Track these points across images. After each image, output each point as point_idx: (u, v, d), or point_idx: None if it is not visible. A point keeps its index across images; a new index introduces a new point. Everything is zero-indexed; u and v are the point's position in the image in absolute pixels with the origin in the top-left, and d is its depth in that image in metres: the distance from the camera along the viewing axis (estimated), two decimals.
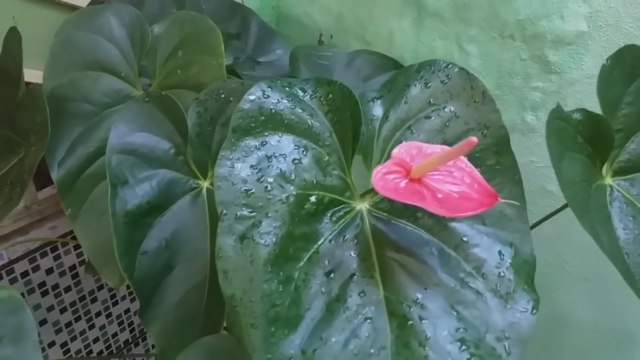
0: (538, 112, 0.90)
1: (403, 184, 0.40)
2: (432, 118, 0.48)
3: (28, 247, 0.86)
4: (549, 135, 0.46)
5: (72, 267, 0.94)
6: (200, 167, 0.56)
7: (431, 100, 0.48)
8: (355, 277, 0.44)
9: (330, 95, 0.48)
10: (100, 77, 0.63)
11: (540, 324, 1.10)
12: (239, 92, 0.54)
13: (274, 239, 0.43)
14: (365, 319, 0.42)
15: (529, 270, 0.44)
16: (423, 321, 0.41)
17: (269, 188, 0.44)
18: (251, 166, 0.44)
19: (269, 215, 0.43)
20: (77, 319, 0.98)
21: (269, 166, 0.44)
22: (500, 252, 0.44)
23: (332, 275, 0.43)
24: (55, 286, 0.92)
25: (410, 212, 0.46)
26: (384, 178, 0.40)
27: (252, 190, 0.43)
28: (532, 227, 0.69)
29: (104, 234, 0.60)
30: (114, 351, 1.08)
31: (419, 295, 0.43)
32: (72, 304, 0.96)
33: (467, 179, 0.40)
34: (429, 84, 0.48)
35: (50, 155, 0.61)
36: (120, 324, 1.07)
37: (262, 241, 0.42)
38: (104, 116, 0.62)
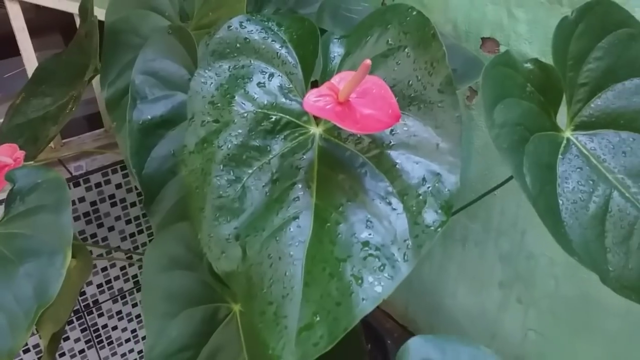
0: None
1: (330, 105, 0.46)
2: (388, 57, 0.53)
3: (103, 163, 1.04)
4: (486, 78, 0.49)
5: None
6: None
7: (389, 40, 0.53)
8: (295, 185, 0.51)
9: (301, 31, 0.55)
10: (149, 15, 0.75)
11: (571, 304, 1.08)
12: None
13: (229, 146, 0.52)
14: (294, 218, 0.49)
15: (447, 199, 0.48)
16: (339, 225, 0.48)
17: (232, 104, 0.52)
18: (221, 84, 0.53)
19: (229, 126, 0.52)
20: (140, 231, 1.16)
21: (235, 86, 0.53)
22: (424, 179, 0.49)
23: (277, 182, 0.52)
24: (123, 200, 1.10)
25: (355, 138, 0.52)
26: (315, 99, 0.47)
27: (218, 104, 0.52)
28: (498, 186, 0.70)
29: None
30: None
31: (343, 205, 0.49)
32: (136, 217, 1.14)
33: (386, 107, 0.46)
34: (389, 26, 0.53)
35: (104, 77, 0.75)
36: None
37: (220, 145, 0.52)
38: None
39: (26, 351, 1.11)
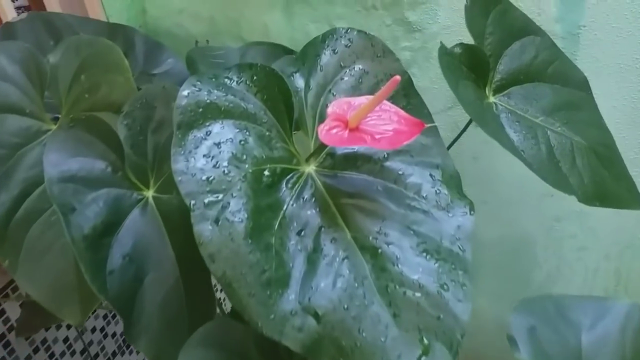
0: (411, 69, 1.01)
1: (345, 134, 0.46)
2: (346, 78, 0.54)
3: None
4: (443, 68, 0.54)
5: (2, 336, 0.88)
6: (141, 177, 0.58)
7: (341, 63, 0.54)
8: (323, 228, 0.49)
9: (255, 77, 0.52)
10: (5, 119, 0.60)
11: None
12: (162, 96, 0.56)
13: (245, 215, 0.46)
14: (343, 259, 0.47)
15: (456, 183, 0.52)
16: (390, 245, 0.48)
17: (226, 171, 0.47)
18: (204, 155, 0.47)
19: (234, 195, 0.47)
20: None
21: (220, 152, 0.48)
22: (431, 175, 0.52)
23: (302, 233, 0.48)
24: None
25: (351, 163, 0.52)
26: (329, 133, 0.46)
27: (212, 177, 0.46)
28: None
29: (51, 275, 0.59)
30: None
31: (380, 227, 0.49)
32: None
33: (395, 118, 0.47)
34: (336, 50, 0.55)
35: None
36: None
37: (236, 219, 0.46)
38: (19, 157, 0.60)
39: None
